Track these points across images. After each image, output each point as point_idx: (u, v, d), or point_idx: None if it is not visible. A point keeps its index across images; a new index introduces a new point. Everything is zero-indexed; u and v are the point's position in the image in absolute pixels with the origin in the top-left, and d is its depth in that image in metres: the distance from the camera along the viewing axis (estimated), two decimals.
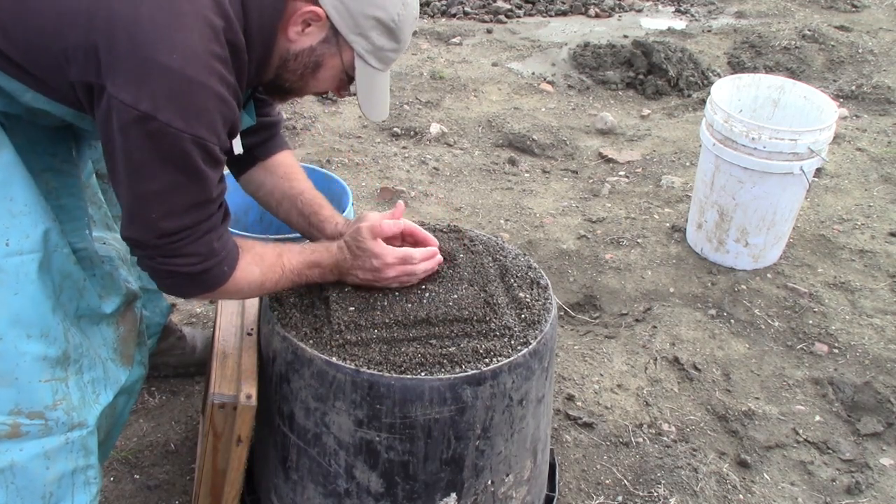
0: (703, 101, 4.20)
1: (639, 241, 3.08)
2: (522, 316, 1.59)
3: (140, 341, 1.66)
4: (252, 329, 1.68)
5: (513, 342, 1.52)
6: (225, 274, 1.42)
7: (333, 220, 1.72)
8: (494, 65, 4.68)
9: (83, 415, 1.44)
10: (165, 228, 1.32)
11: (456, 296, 1.61)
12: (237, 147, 1.50)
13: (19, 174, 1.33)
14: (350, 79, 1.48)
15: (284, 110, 3.90)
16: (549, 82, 4.52)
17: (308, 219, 1.74)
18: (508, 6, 5.56)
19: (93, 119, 1.30)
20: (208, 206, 1.36)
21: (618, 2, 5.81)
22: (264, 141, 1.74)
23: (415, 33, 5.00)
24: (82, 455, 1.45)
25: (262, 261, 1.49)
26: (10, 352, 1.32)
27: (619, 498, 2.01)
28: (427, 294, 1.61)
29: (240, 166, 1.75)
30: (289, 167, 1.77)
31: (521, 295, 1.65)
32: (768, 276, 2.90)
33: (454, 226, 1.86)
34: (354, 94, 1.49)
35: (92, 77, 1.22)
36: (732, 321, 2.68)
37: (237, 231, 2.06)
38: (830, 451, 2.21)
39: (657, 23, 5.47)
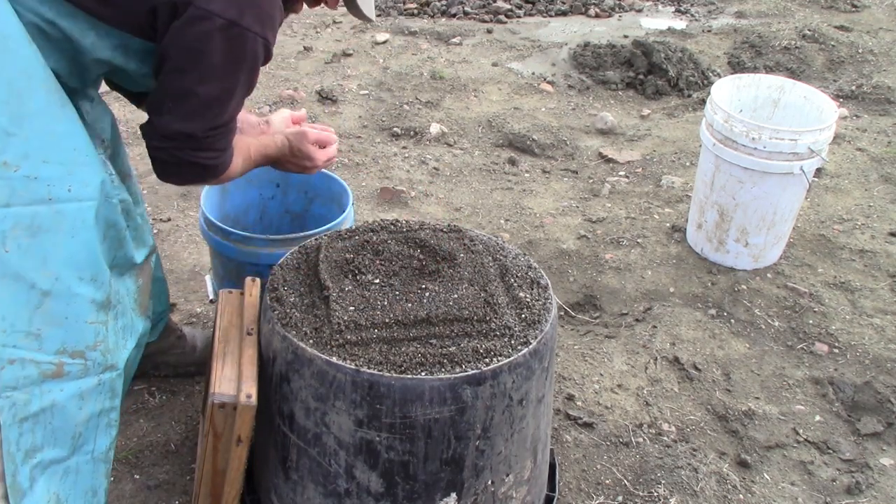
0: (703, 101, 4.20)
1: (639, 241, 3.08)
2: (522, 316, 1.59)
3: (149, 294, 1.79)
4: (252, 329, 1.68)
5: (513, 342, 1.52)
6: (226, 165, 1.62)
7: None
8: (494, 65, 4.68)
9: (115, 357, 1.53)
10: (217, 122, 1.52)
11: (456, 295, 1.61)
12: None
13: (81, 128, 1.44)
14: None
15: None
16: (549, 82, 4.52)
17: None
18: (508, 6, 5.55)
19: (150, 45, 1.48)
20: (237, 107, 1.56)
21: (618, 2, 5.81)
22: None
23: (415, 33, 5.01)
24: (109, 397, 1.53)
25: (240, 152, 1.69)
26: (63, 292, 1.39)
27: (619, 498, 2.01)
28: (427, 294, 1.61)
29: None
30: None
31: (522, 295, 1.65)
32: (768, 276, 2.90)
33: (454, 226, 1.87)
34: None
35: None
36: (732, 321, 2.67)
37: (237, 231, 2.06)
38: (830, 451, 2.21)
39: (657, 23, 5.46)
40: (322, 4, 1.73)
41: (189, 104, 1.49)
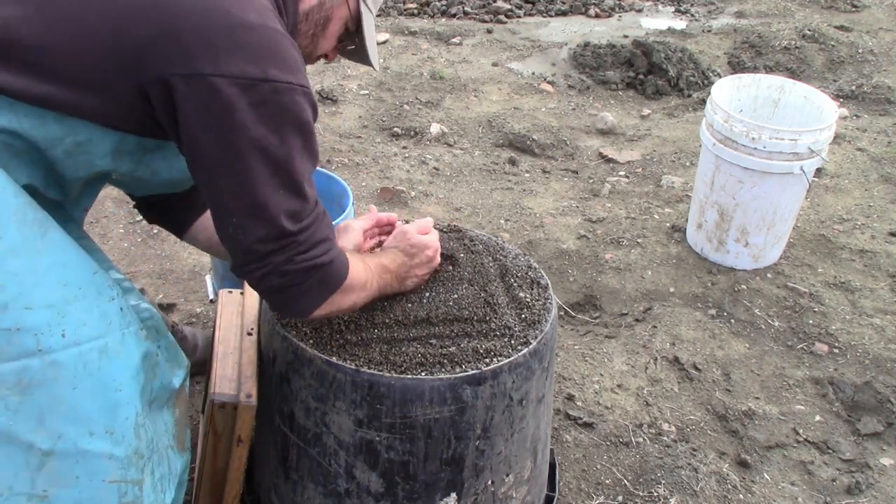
0: (703, 101, 4.20)
1: (639, 241, 3.08)
2: (522, 316, 1.59)
3: (187, 424, 1.52)
4: (252, 329, 1.68)
5: (513, 342, 1.52)
6: (345, 264, 1.36)
7: None
8: (494, 65, 4.68)
9: None
10: (295, 209, 1.24)
11: (456, 295, 1.61)
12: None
13: (74, 252, 1.20)
14: (346, 32, 1.45)
15: None
16: (549, 82, 4.52)
17: None
18: (508, 6, 5.56)
19: (142, 137, 1.22)
20: (312, 176, 1.30)
21: (618, 2, 5.81)
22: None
23: (415, 33, 5.01)
24: None
25: (362, 260, 1.44)
26: (69, 451, 1.18)
27: (619, 498, 2.01)
28: (427, 294, 1.61)
29: (180, 224, 1.66)
30: None
31: (522, 295, 1.65)
32: (768, 275, 2.90)
33: (454, 226, 1.87)
34: (345, 55, 1.49)
35: (178, 68, 1.12)
36: (732, 321, 2.67)
37: None
38: (830, 451, 2.21)
39: (657, 23, 5.46)
40: (323, 59, 1.54)
41: (249, 206, 1.21)
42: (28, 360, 1.12)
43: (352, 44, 1.52)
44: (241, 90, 1.14)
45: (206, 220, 1.63)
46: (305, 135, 1.24)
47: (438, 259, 1.63)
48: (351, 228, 1.64)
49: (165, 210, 1.62)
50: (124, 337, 1.23)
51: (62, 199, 1.31)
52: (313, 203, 1.30)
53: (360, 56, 1.52)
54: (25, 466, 1.15)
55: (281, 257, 1.26)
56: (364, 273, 1.43)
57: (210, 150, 1.18)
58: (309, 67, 1.49)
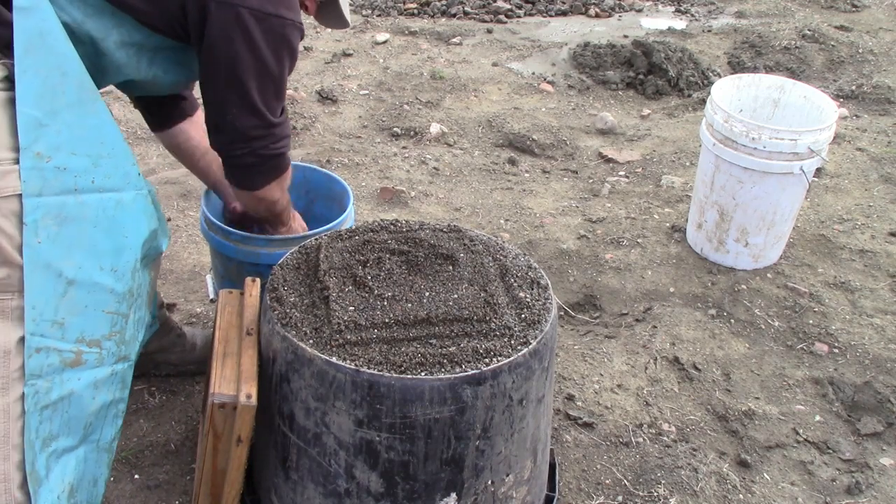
0: (703, 101, 4.20)
1: (639, 241, 3.08)
2: (522, 316, 1.59)
3: (153, 288, 1.80)
4: (252, 329, 1.68)
5: (513, 342, 1.52)
6: (288, 161, 1.79)
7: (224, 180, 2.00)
8: (494, 65, 4.68)
9: (130, 349, 1.56)
10: (279, 108, 1.67)
11: (456, 295, 1.61)
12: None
13: (110, 122, 1.48)
14: None
15: None
16: (549, 82, 4.52)
17: (206, 169, 2.10)
18: (508, 6, 5.55)
19: (169, 42, 1.60)
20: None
21: (618, 2, 5.81)
22: (186, 96, 2.01)
23: (415, 33, 5.01)
24: (120, 388, 1.56)
25: None
26: (86, 281, 1.42)
27: (619, 498, 2.01)
28: (427, 294, 1.61)
29: (165, 120, 2.01)
30: (202, 128, 1.96)
31: (521, 295, 1.65)
32: (768, 275, 2.90)
33: (454, 226, 1.87)
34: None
35: None
36: (732, 321, 2.67)
37: (237, 231, 2.06)
38: (830, 451, 2.21)
39: (657, 23, 5.46)
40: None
41: (250, 101, 1.61)
42: (66, 196, 1.38)
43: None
44: (257, 20, 1.54)
45: (186, 127, 2.02)
46: (293, 59, 1.67)
47: (299, 226, 2.09)
48: None
49: (158, 106, 1.98)
50: (136, 196, 1.52)
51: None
52: (284, 106, 1.72)
53: (335, 14, 1.86)
54: (53, 293, 1.37)
55: (261, 143, 1.68)
56: (289, 175, 1.85)
57: (226, 59, 1.57)
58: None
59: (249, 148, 1.67)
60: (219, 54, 1.57)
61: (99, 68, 1.57)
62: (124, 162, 1.50)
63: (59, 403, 1.42)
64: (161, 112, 2.01)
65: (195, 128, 2.04)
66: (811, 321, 2.68)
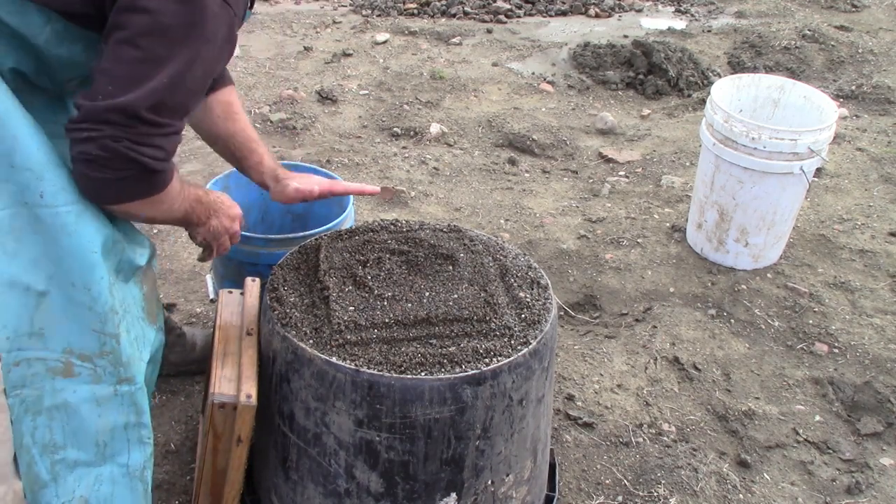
0: (703, 101, 4.20)
1: (639, 241, 3.08)
2: (522, 316, 1.59)
3: (159, 304, 1.71)
4: (252, 329, 1.68)
5: (513, 342, 1.52)
6: (167, 182, 1.40)
7: (259, 169, 1.85)
8: (494, 65, 4.68)
9: (131, 370, 1.46)
10: (163, 101, 1.29)
11: (456, 295, 1.61)
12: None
13: (42, 134, 1.34)
14: None
15: (283, 110, 3.91)
16: (549, 82, 4.52)
17: (239, 162, 1.86)
18: (508, 6, 5.55)
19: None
20: (199, 100, 1.40)
21: (618, 2, 5.81)
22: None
23: (415, 33, 5.01)
24: (133, 411, 1.47)
25: (178, 177, 1.46)
26: (59, 292, 1.35)
27: (619, 498, 2.01)
28: (427, 294, 1.61)
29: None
30: (226, 105, 1.81)
31: (521, 295, 1.65)
32: (768, 275, 2.90)
33: (454, 226, 1.87)
34: None
35: None
36: (732, 321, 2.68)
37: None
38: (830, 451, 2.21)
39: (657, 23, 5.46)
40: None
41: (129, 66, 1.27)
42: (16, 209, 1.30)
43: None
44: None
45: (213, 103, 1.78)
46: (209, 45, 1.32)
47: (238, 227, 1.72)
48: (309, 179, 1.86)
49: None
50: (94, 208, 1.38)
51: (60, 91, 1.49)
52: (179, 118, 1.36)
53: None
54: (25, 307, 1.33)
55: (113, 131, 1.28)
56: (176, 196, 1.47)
57: (120, 19, 1.28)
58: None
59: (96, 132, 1.28)
60: (117, 10, 1.31)
61: (46, 63, 1.41)
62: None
63: (53, 412, 1.40)
64: None
65: (207, 112, 1.80)
66: (811, 321, 2.68)
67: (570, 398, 2.31)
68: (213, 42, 1.32)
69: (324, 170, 2.41)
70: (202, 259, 1.77)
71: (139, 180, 1.34)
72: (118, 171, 1.31)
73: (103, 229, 1.40)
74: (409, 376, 1.42)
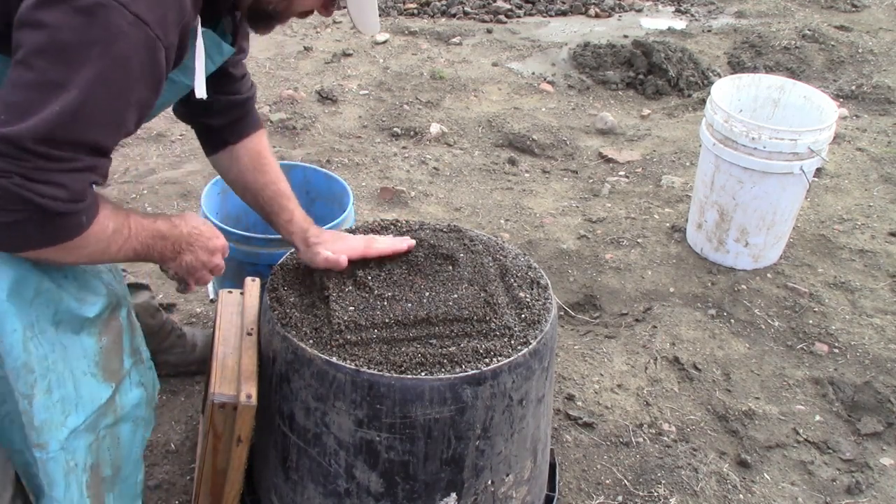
0: (703, 101, 4.20)
1: (639, 241, 3.08)
2: (522, 316, 1.59)
3: (136, 359, 1.51)
4: (252, 329, 1.68)
5: (513, 342, 1.52)
6: (81, 226, 1.18)
7: (289, 228, 1.70)
8: (494, 65, 4.68)
9: (43, 436, 1.29)
10: (56, 132, 1.08)
11: (456, 296, 1.61)
12: (200, 88, 1.36)
13: None
14: None
15: (283, 110, 3.91)
16: (549, 82, 4.52)
17: (268, 217, 1.74)
18: (508, 6, 5.55)
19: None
20: (113, 134, 1.16)
21: (618, 2, 5.81)
22: (232, 122, 1.68)
23: (415, 33, 5.01)
24: (46, 482, 1.31)
25: (116, 217, 1.26)
26: None
27: (619, 498, 2.01)
28: (427, 294, 1.61)
29: (209, 146, 1.73)
30: (255, 155, 1.71)
31: (521, 295, 1.65)
32: (768, 275, 2.90)
33: (454, 226, 1.87)
34: (344, 7, 1.40)
35: None
36: (732, 321, 2.68)
37: (237, 231, 2.06)
38: (830, 451, 2.21)
39: (657, 23, 5.46)
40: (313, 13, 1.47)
41: (22, 92, 1.09)
42: None
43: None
44: (75, 7, 1.07)
45: (241, 152, 1.69)
46: (118, 71, 1.11)
47: (218, 261, 1.50)
48: (343, 243, 1.68)
49: (203, 130, 1.70)
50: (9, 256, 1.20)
51: None
52: (85, 153, 1.13)
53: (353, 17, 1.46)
54: None
55: (4, 164, 1.08)
56: (107, 239, 1.26)
57: (19, 42, 1.10)
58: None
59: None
60: (19, 37, 1.13)
61: None
62: None
63: None
64: (207, 136, 1.70)
65: (234, 161, 1.70)
66: (811, 321, 2.68)
67: (570, 398, 2.31)
68: (123, 67, 1.11)
69: (323, 170, 2.40)
70: (180, 291, 1.57)
71: (39, 224, 1.13)
72: (10, 213, 1.11)
73: (13, 274, 1.21)
74: (409, 376, 1.42)
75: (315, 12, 1.45)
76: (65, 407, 1.32)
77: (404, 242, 1.73)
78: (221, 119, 1.67)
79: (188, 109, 1.68)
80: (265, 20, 1.42)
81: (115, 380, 1.43)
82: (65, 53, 1.08)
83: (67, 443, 1.32)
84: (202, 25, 1.34)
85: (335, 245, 1.67)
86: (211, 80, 1.44)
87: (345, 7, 1.41)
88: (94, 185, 1.19)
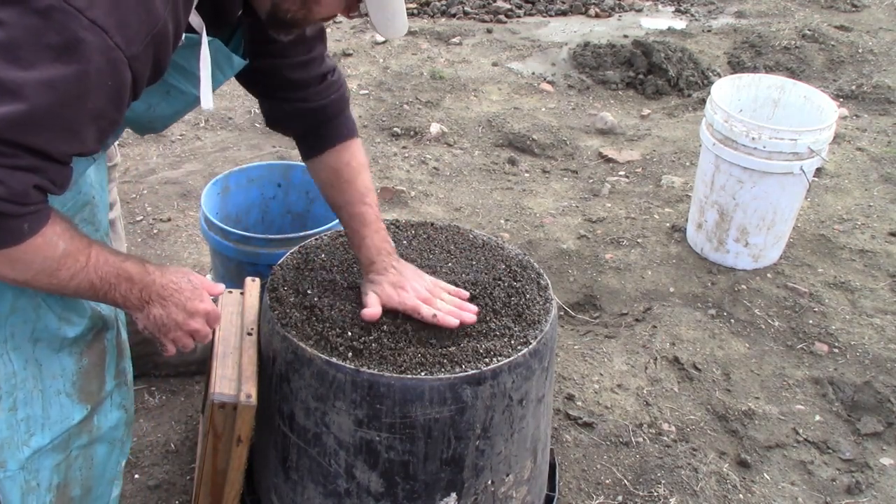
0: (703, 101, 4.20)
1: (639, 240, 3.08)
2: (522, 316, 1.59)
3: (120, 381, 1.47)
4: (252, 329, 1.68)
5: (513, 342, 1.52)
6: (23, 233, 1.09)
7: (357, 254, 1.63)
8: (494, 65, 4.68)
9: (3, 454, 1.26)
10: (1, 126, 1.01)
11: None
12: (206, 99, 1.30)
13: None
14: None
15: None
16: (549, 82, 4.52)
17: (347, 236, 1.69)
18: (508, 6, 5.55)
19: None
20: (63, 143, 1.08)
21: (618, 1, 5.80)
22: (306, 134, 1.61)
23: (415, 33, 5.01)
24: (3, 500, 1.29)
25: (72, 240, 1.16)
26: None
27: (619, 498, 2.01)
28: None
29: (303, 154, 1.67)
30: (331, 173, 1.63)
31: (522, 295, 1.65)
32: (768, 275, 2.90)
33: (454, 226, 1.87)
34: (365, 14, 1.29)
35: None
36: (732, 321, 2.68)
37: (237, 231, 2.06)
38: (830, 451, 2.21)
39: (657, 22, 5.46)
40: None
41: None
42: None
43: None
44: (35, 8, 1.01)
45: (318, 167, 1.63)
46: (70, 77, 1.03)
47: (198, 326, 1.35)
48: (398, 289, 1.55)
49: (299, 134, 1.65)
50: None
51: None
52: (26, 141, 1.04)
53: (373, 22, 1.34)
54: None
55: None
56: (52, 258, 1.15)
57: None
58: None
59: None
60: None
61: None
62: None
63: None
64: (302, 141, 1.62)
65: (315, 175, 1.63)
66: (811, 321, 2.68)
67: (570, 398, 2.31)
68: (75, 74, 1.03)
69: None
70: (162, 352, 1.39)
71: None
72: None
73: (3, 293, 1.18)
74: (409, 376, 1.42)
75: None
76: (30, 426, 1.29)
77: (450, 321, 1.52)
78: (296, 128, 1.60)
79: (267, 115, 1.61)
80: (285, 27, 1.34)
81: (92, 401, 1.39)
82: (16, 53, 1.01)
83: (29, 462, 1.29)
84: (209, 34, 1.28)
85: (387, 291, 1.54)
86: (261, 81, 1.43)
87: (366, 15, 1.31)
88: (45, 193, 1.11)
